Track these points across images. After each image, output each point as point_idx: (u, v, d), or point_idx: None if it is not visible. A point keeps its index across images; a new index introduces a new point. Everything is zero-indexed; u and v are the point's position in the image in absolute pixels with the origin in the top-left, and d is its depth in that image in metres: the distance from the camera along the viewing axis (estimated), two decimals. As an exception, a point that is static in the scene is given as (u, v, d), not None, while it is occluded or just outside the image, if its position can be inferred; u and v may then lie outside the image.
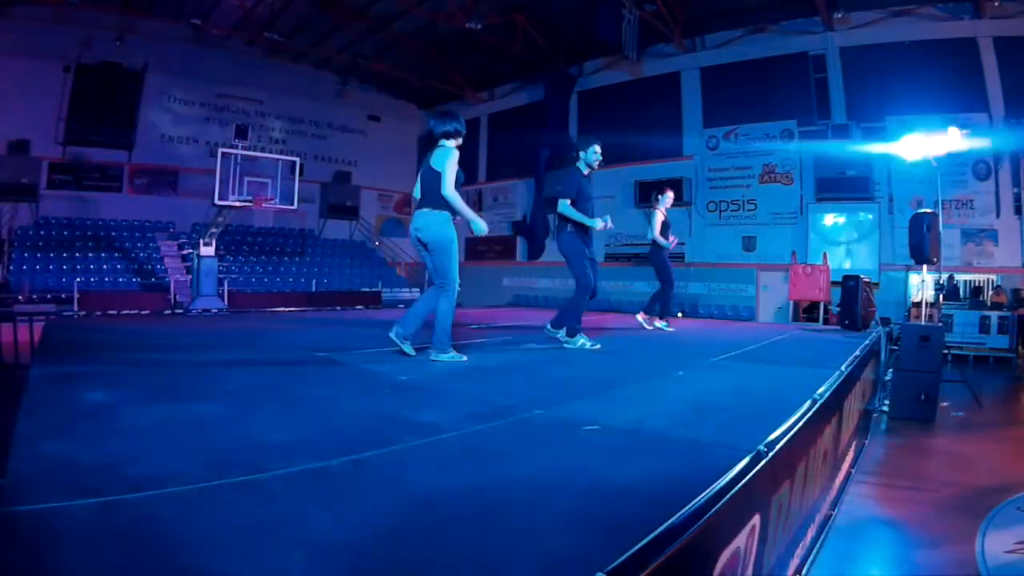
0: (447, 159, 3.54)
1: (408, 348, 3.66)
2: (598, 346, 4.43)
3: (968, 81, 10.80)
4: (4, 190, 12.93)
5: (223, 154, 10.95)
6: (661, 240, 6.15)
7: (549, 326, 4.68)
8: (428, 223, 3.56)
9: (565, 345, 4.44)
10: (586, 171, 4.60)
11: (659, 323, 6.25)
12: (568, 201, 4.44)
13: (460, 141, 3.70)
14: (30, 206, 13.51)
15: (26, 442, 1.68)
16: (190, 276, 12.15)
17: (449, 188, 3.50)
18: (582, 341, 4.42)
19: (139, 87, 14.69)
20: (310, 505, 1.32)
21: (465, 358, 3.62)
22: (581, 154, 4.56)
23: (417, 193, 3.69)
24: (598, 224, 4.49)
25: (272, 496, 1.38)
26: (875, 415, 5.64)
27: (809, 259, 11.98)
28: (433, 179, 3.56)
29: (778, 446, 1.73)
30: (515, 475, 1.57)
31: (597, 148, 4.57)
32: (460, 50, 14.98)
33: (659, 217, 6.22)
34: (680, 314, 6.45)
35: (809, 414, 2.20)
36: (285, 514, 1.26)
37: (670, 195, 6.38)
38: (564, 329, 4.52)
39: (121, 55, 14.16)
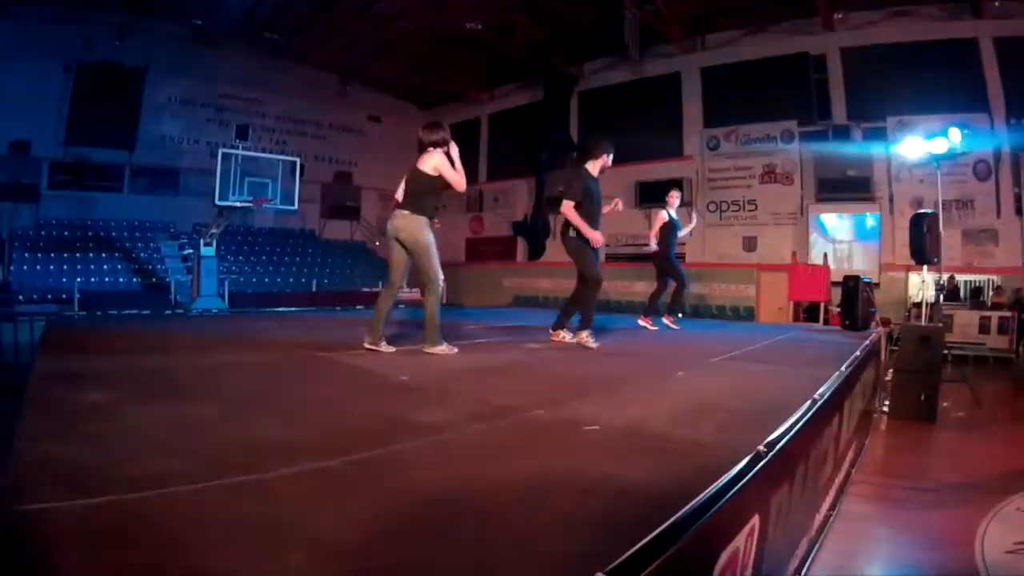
0: (435, 163, 3.69)
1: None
2: (597, 345, 4.39)
3: (968, 81, 10.80)
4: (4, 190, 12.90)
5: (223, 154, 10.94)
6: (652, 240, 6.29)
7: (552, 328, 4.69)
8: (407, 226, 3.72)
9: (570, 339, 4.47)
10: (595, 172, 4.56)
11: (667, 320, 6.38)
12: (572, 203, 4.38)
13: (447, 148, 3.81)
14: (31, 206, 13.49)
15: (26, 442, 1.68)
16: (191, 276, 12.14)
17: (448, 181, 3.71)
18: (586, 336, 4.39)
19: (140, 87, 14.66)
20: (310, 505, 1.32)
21: (456, 350, 3.79)
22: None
23: (400, 195, 3.85)
24: (596, 238, 4.37)
25: (272, 496, 1.37)
26: (875, 415, 5.64)
27: (809, 259, 11.97)
28: (418, 182, 3.72)
29: (778, 446, 1.73)
30: (515, 475, 1.57)
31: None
32: (460, 50, 14.97)
33: (658, 219, 6.28)
34: (680, 314, 6.46)
35: (809, 414, 2.20)
36: (285, 514, 1.26)
37: (672, 196, 6.45)
38: (575, 325, 4.51)
39: (121, 55, 14.13)
